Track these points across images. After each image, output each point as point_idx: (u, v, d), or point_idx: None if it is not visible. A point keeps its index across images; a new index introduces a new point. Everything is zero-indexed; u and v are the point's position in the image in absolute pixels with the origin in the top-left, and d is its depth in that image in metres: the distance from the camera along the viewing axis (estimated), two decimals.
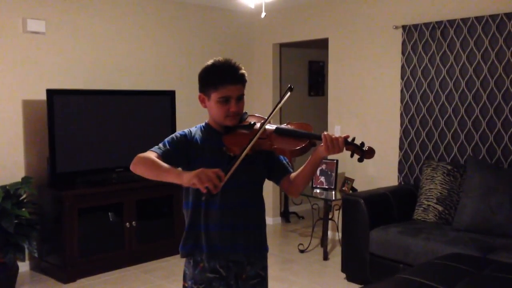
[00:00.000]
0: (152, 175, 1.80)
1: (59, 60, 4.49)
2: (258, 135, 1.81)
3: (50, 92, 4.14)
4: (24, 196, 4.05)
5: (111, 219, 4.47)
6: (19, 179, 4.11)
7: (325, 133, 1.81)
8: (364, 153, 1.80)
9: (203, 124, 1.99)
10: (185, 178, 1.70)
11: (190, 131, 1.95)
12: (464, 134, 4.15)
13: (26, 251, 3.97)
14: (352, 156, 1.83)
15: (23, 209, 3.89)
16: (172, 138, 1.92)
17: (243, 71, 1.90)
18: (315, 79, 6.70)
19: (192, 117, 4.91)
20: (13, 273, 3.94)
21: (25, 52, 4.30)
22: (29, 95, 4.32)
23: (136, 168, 1.84)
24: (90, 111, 4.43)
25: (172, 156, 1.86)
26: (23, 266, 4.21)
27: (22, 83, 4.29)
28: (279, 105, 1.93)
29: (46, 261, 4.30)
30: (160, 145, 1.90)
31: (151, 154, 1.84)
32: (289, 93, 1.91)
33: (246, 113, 1.98)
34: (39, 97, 4.26)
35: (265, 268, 2.02)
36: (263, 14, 3.23)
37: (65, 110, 4.24)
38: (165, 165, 1.79)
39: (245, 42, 5.90)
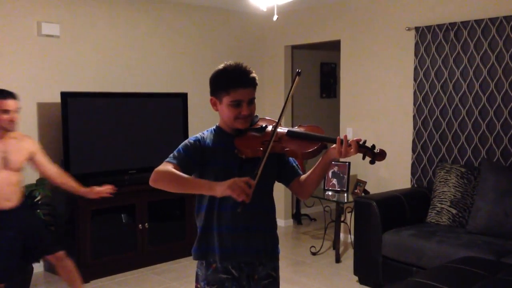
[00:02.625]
0: (178, 189, 1.82)
1: (73, 63, 4.53)
2: (273, 137, 1.82)
3: (64, 95, 4.19)
4: (38, 197, 4.10)
5: (123, 221, 4.51)
6: (34, 181, 4.16)
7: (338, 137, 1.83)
8: (375, 155, 1.81)
9: (214, 127, 2.00)
10: (219, 191, 1.73)
11: (202, 135, 1.96)
12: (478, 136, 4.11)
13: None
14: (364, 158, 1.84)
15: (38, 211, 3.94)
16: (186, 145, 1.93)
17: (254, 74, 1.91)
18: (327, 81, 6.69)
19: (204, 119, 4.95)
20: (28, 274, 3.98)
21: (40, 55, 4.35)
22: (44, 97, 4.37)
23: (157, 184, 1.84)
24: (104, 113, 4.47)
25: (188, 163, 1.88)
26: (38, 267, 4.25)
27: (36, 85, 4.35)
28: (291, 93, 1.92)
29: None
30: (175, 153, 1.91)
31: (169, 166, 1.84)
32: (297, 78, 1.90)
33: (257, 116, 2.00)
34: (54, 100, 4.30)
35: (276, 268, 2.04)
36: (275, 17, 3.23)
37: (79, 113, 4.28)
38: (191, 177, 1.81)
39: (257, 44, 5.91)
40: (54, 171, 3.40)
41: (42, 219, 3.60)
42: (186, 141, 1.95)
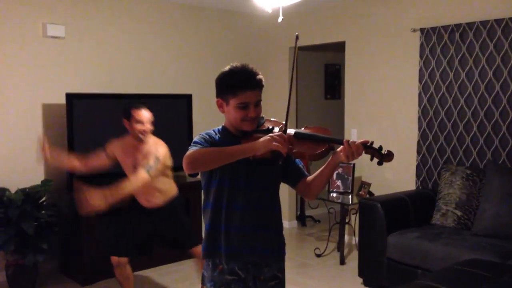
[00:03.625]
0: (220, 160, 1.79)
1: (78, 64, 4.55)
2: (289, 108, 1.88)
3: (70, 96, 4.20)
4: (43, 198, 4.11)
5: None
6: (39, 182, 4.17)
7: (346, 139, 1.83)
8: (383, 156, 1.81)
9: (220, 127, 2.00)
10: (261, 147, 1.74)
11: (209, 133, 1.96)
12: (483, 138, 4.10)
13: (46, 253, 4.01)
14: (372, 159, 1.85)
15: (43, 212, 3.95)
16: (203, 137, 1.92)
17: (260, 76, 1.91)
18: (332, 82, 6.68)
19: (209, 121, 4.93)
20: (33, 275, 4.00)
21: (45, 56, 4.37)
22: (49, 99, 4.38)
23: (195, 165, 1.80)
24: (109, 114, 4.47)
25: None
26: (43, 268, 4.26)
27: (42, 87, 4.36)
28: (295, 55, 1.95)
29: (65, 263, 4.35)
30: (197, 141, 1.89)
31: (197, 149, 1.83)
32: (296, 42, 1.96)
33: (263, 117, 2.00)
34: (59, 101, 4.32)
35: (282, 269, 2.04)
36: (280, 18, 3.23)
37: (84, 114, 4.29)
38: (229, 147, 1.79)
39: (261, 46, 5.91)
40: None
41: (185, 228, 3.67)
42: (201, 135, 1.93)
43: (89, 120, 4.34)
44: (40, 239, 3.85)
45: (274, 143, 1.71)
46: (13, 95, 4.22)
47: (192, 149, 1.84)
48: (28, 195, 3.95)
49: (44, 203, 4.10)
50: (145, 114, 3.37)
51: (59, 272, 4.38)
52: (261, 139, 1.74)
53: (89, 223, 4.13)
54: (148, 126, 3.39)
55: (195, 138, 1.93)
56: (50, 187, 4.15)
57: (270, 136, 1.74)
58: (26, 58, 4.27)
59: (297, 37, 1.94)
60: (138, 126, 3.35)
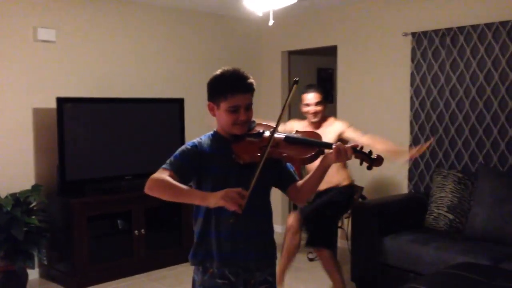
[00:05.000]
0: (172, 198, 1.83)
1: (69, 68, 4.52)
2: (270, 143, 1.82)
3: (60, 100, 4.17)
4: (34, 204, 4.07)
5: (120, 227, 4.48)
6: (29, 187, 4.14)
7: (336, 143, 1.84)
8: (372, 161, 1.82)
9: (212, 132, 2.00)
10: (212, 202, 1.74)
11: (199, 140, 1.96)
12: (475, 141, 4.11)
13: (36, 259, 3.98)
14: (361, 164, 1.85)
15: (33, 217, 3.91)
16: (183, 150, 1.93)
17: (251, 80, 1.92)
18: (324, 86, 6.68)
19: (201, 125, 4.92)
20: (23, 281, 3.96)
21: (36, 60, 4.34)
22: (39, 103, 4.35)
23: (152, 192, 1.84)
24: (100, 119, 4.45)
25: (185, 169, 1.88)
26: (33, 274, 4.22)
27: (32, 91, 4.33)
28: (288, 101, 1.92)
29: (55, 269, 4.31)
30: (172, 159, 1.91)
31: (165, 174, 1.84)
32: (295, 87, 1.91)
33: (254, 121, 2.00)
34: (49, 105, 4.29)
35: (273, 273, 2.04)
36: (271, 22, 3.23)
37: (75, 118, 4.27)
38: (185, 187, 1.81)
39: (253, 50, 5.91)
40: (365, 140, 3.47)
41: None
42: (183, 147, 1.94)
43: (79, 124, 4.32)
44: (30, 245, 3.82)
45: (225, 202, 1.69)
46: (4, 99, 4.19)
47: (161, 171, 1.86)
48: (18, 200, 3.92)
49: (34, 208, 4.07)
50: (310, 97, 3.59)
51: (50, 278, 4.34)
52: (216, 193, 1.72)
53: (80, 228, 4.10)
54: (317, 108, 3.60)
55: (179, 149, 1.94)
56: (40, 192, 4.12)
57: (226, 193, 1.70)
58: (16, 62, 4.24)
59: (296, 81, 1.91)
60: (305, 109, 3.61)
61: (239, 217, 1.71)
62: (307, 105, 3.61)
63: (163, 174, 1.85)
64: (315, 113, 3.62)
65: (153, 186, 1.84)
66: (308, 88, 3.67)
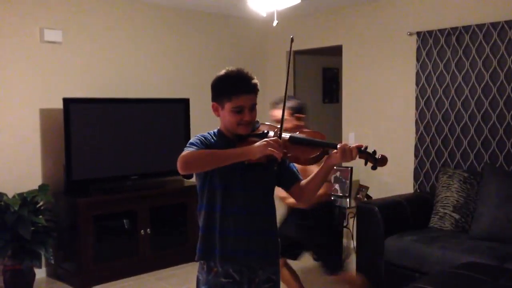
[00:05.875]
0: (213, 164, 1.80)
1: (75, 69, 4.55)
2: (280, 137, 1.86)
3: (67, 101, 4.20)
4: (40, 203, 4.10)
5: (125, 226, 4.50)
6: (36, 187, 4.17)
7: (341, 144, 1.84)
8: (377, 161, 1.82)
9: (215, 130, 2.01)
10: (257, 152, 1.76)
11: (204, 135, 1.96)
12: (481, 141, 4.10)
13: (43, 258, 4.01)
14: (366, 164, 1.86)
15: (40, 217, 3.94)
16: (200, 138, 1.92)
17: (255, 80, 1.93)
18: (329, 86, 6.69)
19: (206, 124, 4.92)
20: (30, 280, 3.99)
21: (42, 61, 4.37)
22: (46, 103, 4.38)
23: (190, 166, 1.81)
24: (106, 119, 4.48)
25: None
26: (40, 273, 4.25)
27: (39, 92, 4.36)
28: (290, 57, 1.93)
29: (62, 268, 4.34)
30: (193, 142, 1.89)
31: (192, 150, 1.83)
32: (292, 44, 2.00)
33: (258, 121, 2.01)
34: (56, 106, 4.31)
35: (277, 272, 2.04)
36: (275, 23, 3.23)
37: (81, 119, 4.29)
38: (223, 150, 1.80)
39: (258, 50, 5.92)
40: None
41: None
42: (197, 137, 1.93)
43: (86, 124, 4.34)
44: (37, 244, 3.85)
45: (269, 148, 1.73)
46: (11, 100, 4.22)
47: (187, 150, 1.85)
48: (25, 200, 3.95)
49: (41, 208, 4.10)
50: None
51: (57, 277, 4.37)
52: (257, 144, 1.75)
53: (87, 227, 4.13)
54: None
55: (191, 139, 1.94)
56: (47, 191, 4.15)
57: (266, 141, 1.75)
58: (23, 63, 4.27)
59: (292, 39, 1.94)
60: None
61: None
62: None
63: (191, 151, 1.83)
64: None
65: (189, 161, 1.80)
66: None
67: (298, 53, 5.95)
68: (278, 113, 3.22)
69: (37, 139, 4.36)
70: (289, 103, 3.18)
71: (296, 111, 3.34)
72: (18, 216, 3.79)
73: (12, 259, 3.85)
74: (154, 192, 4.56)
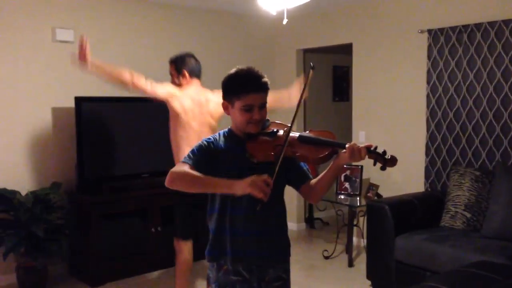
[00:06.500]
0: (196, 188, 1.85)
1: None
2: (286, 143, 1.83)
3: (79, 100, 4.24)
4: (53, 201, 4.14)
5: (137, 224, 4.53)
6: (49, 185, 4.22)
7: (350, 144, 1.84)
8: (386, 161, 1.81)
9: (226, 130, 2.02)
10: (238, 189, 1.76)
11: (215, 137, 1.98)
12: (492, 139, 4.07)
13: (55, 255, 4.04)
14: (374, 164, 1.85)
15: (52, 214, 3.98)
16: (200, 145, 1.95)
17: (265, 79, 1.93)
18: (340, 84, 6.67)
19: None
20: (43, 277, 4.03)
21: (54, 60, 4.41)
22: (58, 102, 4.43)
23: (174, 184, 1.86)
24: (117, 117, 4.51)
25: (203, 164, 1.90)
26: (52, 270, 4.30)
27: (51, 90, 4.40)
28: (305, 88, 1.92)
29: (74, 265, 4.38)
30: (190, 154, 1.93)
31: (185, 167, 1.87)
32: (311, 72, 1.90)
33: (268, 120, 2.01)
34: (68, 105, 4.36)
35: (287, 271, 2.05)
36: (284, 21, 3.24)
37: (93, 117, 4.33)
38: (211, 177, 1.83)
39: (268, 48, 5.92)
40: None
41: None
42: (200, 142, 1.97)
43: (98, 123, 4.38)
44: (49, 242, 3.89)
45: (253, 189, 1.72)
46: (23, 99, 4.27)
47: (181, 165, 1.89)
48: (38, 197, 3.99)
49: (54, 205, 4.14)
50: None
51: (69, 274, 4.42)
52: (244, 181, 1.74)
53: (98, 225, 4.17)
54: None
55: (196, 144, 1.97)
56: (60, 189, 4.19)
57: (253, 181, 1.73)
58: (35, 62, 4.32)
59: (312, 67, 1.90)
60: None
61: (264, 204, 1.74)
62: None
63: (183, 167, 1.87)
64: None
65: (175, 179, 1.86)
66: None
67: (308, 51, 5.95)
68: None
69: (49, 138, 4.40)
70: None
71: (177, 64, 3.53)
72: (31, 213, 3.83)
73: (25, 256, 3.90)
74: (164, 191, 4.54)
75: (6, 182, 4.11)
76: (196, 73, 3.49)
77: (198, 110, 3.40)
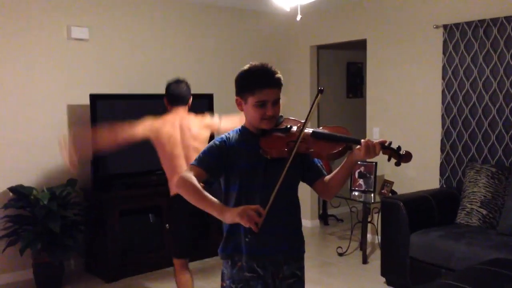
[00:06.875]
0: (194, 202, 1.88)
1: (102, 65, 4.62)
2: (299, 139, 1.83)
3: (93, 97, 4.27)
4: (69, 198, 4.18)
5: (151, 221, 4.57)
6: (65, 181, 4.26)
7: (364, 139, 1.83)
8: (401, 157, 1.80)
9: (240, 127, 2.01)
10: (227, 218, 1.80)
11: (227, 135, 1.98)
12: (509, 135, 4.02)
13: (72, 251, 4.09)
14: (389, 160, 1.84)
15: (69, 210, 4.03)
16: (211, 146, 1.96)
17: (279, 75, 1.92)
18: (354, 81, 6.63)
19: None
20: (59, 272, 4.08)
21: (70, 58, 4.45)
22: (73, 99, 4.47)
23: (180, 191, 1.91)
24: (132, 114, 4.50)
25: (213, 166, 1.92)
26: (69, 266, 4.35)
27: (66, 88, 4.44)
28: (311, 110, 1.91)
29: (90, 261, 4.43)
30: (201, 155, 1.95)
31: (194, 172, 1.89)
32: (319, 96, 1.89)
33: (282, 116, 2.01)
34: (83, 102, 4.40)
35: (301, 268, 2.04)
36: (298, 17, 3.23)
37: (108, 114, 4.36)
38: (208, 197, 1.85)
39: (282, 45, 5.91)
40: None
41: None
42: (212, 143, 1.97)
43: (112, 120, 4.39)
44: (66, 238, 3.93)
45: (242, 219, 1.74)
46: (39, 96, 4.32)
47: (191, 168, 1.91)
48: (54, 194, 4.04)
49: (70, 202, 4.18)
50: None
51: (85, 270, 4.47)
52: (234, 210, 1.77)
53: (114, 221, 4.20)
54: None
55: (207, 146, 1.98)
56: (76, 186, 4.24)
57: (243, 210, 1.74)
58: (51, 60, 4.37)
59: (320, 91, 1.89)
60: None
61: (255, 234, 1.75)
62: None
63: (192, 173, 1.89)
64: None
65: (180, 186, 1.89)
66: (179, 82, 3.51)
67: (322, 47, 5.92)
68: None
69: (65, 135, 4.44)
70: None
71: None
72: (47, 210, 3.88)
73: (42, 252, 3.94)
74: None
75: (23, 179, 4.17)
76: (176, 100, 3.46)
77: (180, 135, 3.37)
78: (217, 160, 1.92)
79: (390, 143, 1.81)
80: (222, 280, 2.02)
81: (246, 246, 1.92)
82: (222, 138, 1.98)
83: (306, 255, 2.07)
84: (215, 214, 1.84)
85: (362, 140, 1.82)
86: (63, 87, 4.43)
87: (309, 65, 5.80)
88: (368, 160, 4.59)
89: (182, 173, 1.91)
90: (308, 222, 5.81)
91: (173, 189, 3.26)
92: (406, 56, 4.83)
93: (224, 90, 5.21)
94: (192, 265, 4.55)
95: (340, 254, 4.82)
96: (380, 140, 1.81)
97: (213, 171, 1.90)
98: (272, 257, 1.95)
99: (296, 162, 1.94)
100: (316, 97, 1.90)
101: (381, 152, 1.81)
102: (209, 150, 1.95)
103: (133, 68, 4.81)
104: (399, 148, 1.81)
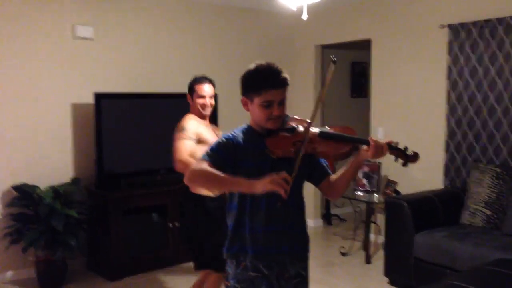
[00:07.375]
0: (215, 186, 1.89)
1: (106, 64, 4.62)
2: (306, 139, 1.82)
3: (98, 96, 4.28)
4: (72, 196, 4.18)
5: (155, 220, 4.57)
6: (68, 180, 4.26)
7: (371, 137, 1.82)
8: (408, 157, 1.79)
9: (245, 126, 2.00)
10: (259, 188, 1.76)
11: (233, 134, 1.97)
12: None
13: (75, 250, 4.09)
14: (396, 160, 1.83)
15: (72, 209, 4.03)
16: (219, 142, 1.95)
17: (285, 74, 1.91)
18: (358, 81, 6.62)
19: (234, 119, 4.95)
20: (62, 271, 4.09)
21: (74, 57, 4.45)
22: (78, 98, 4.47)
23: (193, 182, 1.89)
24: (136, 113, 4.54)
25: (222, 161, 1.90)
26: (72, 264, 4.35)
27: (71, 87, 4.45)
28: (327, 83, 1.89)
29: (93, 260, 4.43)
30: (208, 151, 1.93)
31: (204, 164, 1.87)
32: (333, 67, 1.87)
33: (287, 116, 2.00)
34: (87, 101, 4.40)
35: (306, 267, 2.04)
36: (305, 16, 3.22)
37: (112, 113, 4.36)
38: (231, 176, 1.82)
39: (286, 44, 5.90)
40: None
41: None
42: (219, 139, 1.96)
43: (116, 119, 4.41)
44: (69, 236, 3.93)
45: (273, 184, 1.72)
46: (43, 95, 4.32)
47: (200, 162, 1.89)
48: (58, 192, 4.04)
49: (73, 200, 4.18)
50: (205, 88, 3.34)
51: (88, 268, 4.47)
52: (262, 179, 1.75)
53: (117, 220, 4.21)
54: (210, 102, 3.36)
55: (214, 142, 1.96)
56: (79, 185, 4.24)
57: (273, 178, 1.73)
58: (55, 58, 4.37)
59: (334, 61, 1.89)
60: (199, 100, 3.32)
61: (283, 201, 1.73)
62: (203, 96, 3.34)
63: (203, 165, 1.87)
64: (210, 106, 3.39)
65: (194, 176, 1.86)
66: (203, 79, 3.41)
67: (326, 47, 5.91)
68: (206, 88, 3.36)
69: (69, 133, 4.45)
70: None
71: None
72: (51, 208, 3.88)
73: (45, 250, 3.95)
74: (184, 186, 4.59)
75: (27, 177, 4.17)
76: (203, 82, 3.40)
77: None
78: (225, 155, 1.91)
79: (397, 143, 1.81)
80: (227, 279, 2.02)
81: (251, 246, 1.92)
82: (228, 136, 1.96)
83: (309, 254, 2.07)
84: (243, 188, 1.82)
85: (371, 141, 1.81)
86: (68, 86, 4.44)
87: (313, 64, 5.79)
88: (372, 160, 4.59)
89: (191, 167, 1.89)
90: (311, 222, 5.80)
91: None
92: (411, 56, 4.82)
93: (229, 90, 5.20)
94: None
95: (343, 254, 4.82)
96: (387, 140, 1.80)
97: (221, 166, 1.88)
98: (278, 256, 1.94)
99: (302, 162, 1.94)
100: (330, 68, 1.87)
101: (388, 152, 1.80)
102: (217, 146, 1.94)
103: (137, 67, 4.81)
104: (406, 148, 1.81)
